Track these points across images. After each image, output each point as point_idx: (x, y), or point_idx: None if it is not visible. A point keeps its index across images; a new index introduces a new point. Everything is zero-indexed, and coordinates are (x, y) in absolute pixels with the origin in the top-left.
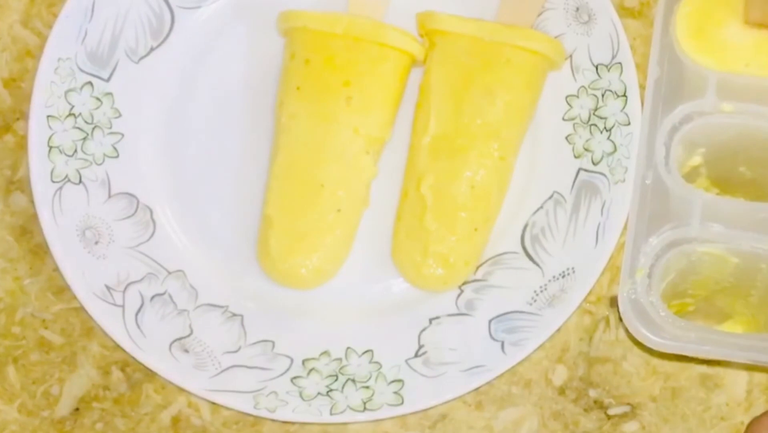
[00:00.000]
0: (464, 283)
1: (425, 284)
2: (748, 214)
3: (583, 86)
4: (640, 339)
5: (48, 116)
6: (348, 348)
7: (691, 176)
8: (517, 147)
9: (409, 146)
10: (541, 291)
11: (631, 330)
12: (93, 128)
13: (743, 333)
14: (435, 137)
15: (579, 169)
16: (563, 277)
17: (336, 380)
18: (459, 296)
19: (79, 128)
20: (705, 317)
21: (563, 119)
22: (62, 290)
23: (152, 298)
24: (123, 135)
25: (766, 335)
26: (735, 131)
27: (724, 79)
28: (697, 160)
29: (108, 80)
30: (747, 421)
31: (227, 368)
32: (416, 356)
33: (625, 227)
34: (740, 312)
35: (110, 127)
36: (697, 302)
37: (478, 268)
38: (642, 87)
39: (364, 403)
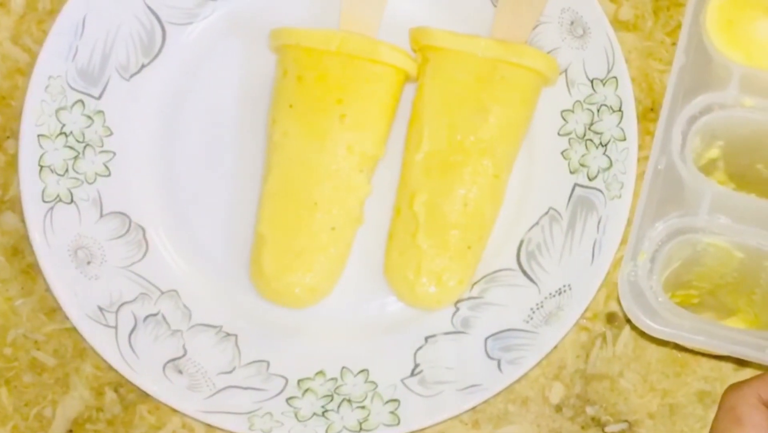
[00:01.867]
0: (460, 300)
1: (418, 302)
2: (758, 211)
3: (578, 101)
4: (635, 322)
5: (39, 135)
6: (343, 368)
7: (708, 169)
8: (511, 164)
9: (402, 163)
10: (538, 308)
11: (627, 312)
12: (84, 147)
13: (739, 328)
14: (428, 154)
15: (575, 185)
16: (559, 294)
17: (331, 400)
18: (455, 313)
19: (70, 147)
20: (709, 311)
21: (558, 134)
22: (54, 310)
23: (145, 318)
24: (115, 153)
25: (763, 333)
26: (755, 127)
27: (749, 74)
28: (715, 153)
29: (99, 98)
30: None
31: (222, 389)
32: (412, 375)
33: (621, 243)
34: (744, 310)
35: (102, 146)
36: (702, 295)
37: (473, 285)
38: (638, 101)
39: (360, 423)
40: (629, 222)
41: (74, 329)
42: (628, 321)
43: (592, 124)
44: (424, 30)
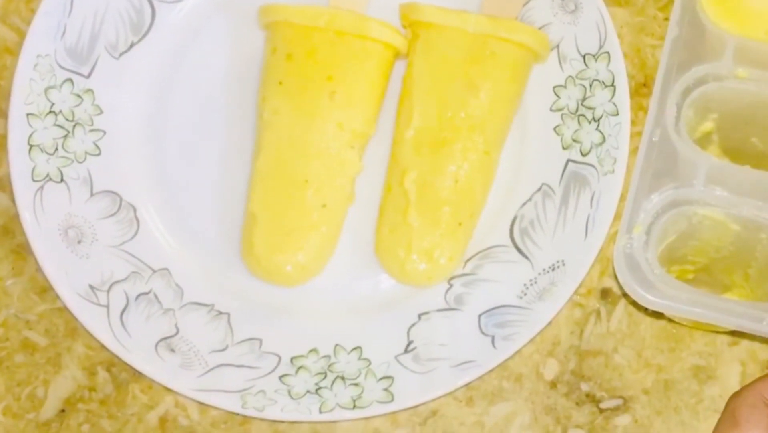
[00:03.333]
0: (453, 277)
1: (409, 279)
2: (754, 183)
3: (570, 76)
4: (631, 295)
5: (28, 114)
6: (336, 345)
7: (702, 142)
8: (502, 140)
9: (392, 140)
10: (531, 284)
11: (623, 285)
12: (74, 126)
13: (737, 300)
14: (418, 131)
15: (567, 161)
16: (553, 270)
17: (325, 377)
18: (448, 290)
19: (59, 126)
20: (704, 287)
21: (551, 110)
22: (45, 290)
23: (137, 297)
24: (105, 132)
25: (759, 304)
26: (749, 99)
27: (743, 44)
28: (709, 126)
29: (88, 77)
30: None
31: (214, 367)
32: (406, 352)
33: (614, 218)
34: (739, 285)
35: (91, 125)
36: (697, 271)
37: (466, 262)
38: (631, 77)
39: (354, 400)
40: (622, 197)
41: (66, 309)
42: (623, 297)
43: (584, 99)
44: (414, 6)
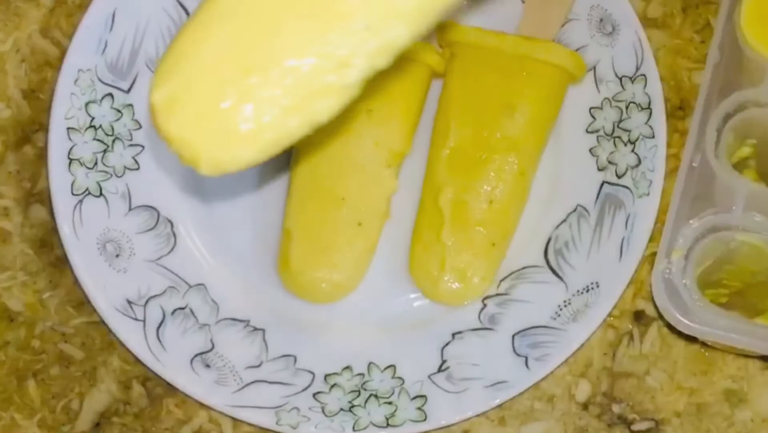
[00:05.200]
0: (487, 297)
1: (442, 298)
2: None
3: (606, 98)
4: (669, 320)
5: (68, 128)
6: (370, 363)
7: (739, 167)
8: (537, 161)
9: (427, 158)
10: (565, 306)
11: (661, 310)
12: (113, 140)
13: None
14: (454, 150)
15: (603, 182)
16: (587, 291)
17: (358, 395)
18: (482, 310)
19: (99, 140)
20: (737, 309)
21: (587, 131)
22: (82, 303)
23: (173, 312)
24: (143, 147)
25: None
26: None
27: None
28: (746, 151)
29: (128, 92)
30: None
31: (249, 384)
32: (439, 371)
33: (649, 240)
34: None
35: (131, 139)
36: (731, 294)
37: (500, 282)
38: (666, 99)
39: (387, 419)
40: (657, 220)
41: (102, 322)
42: (656, 319)
43: (620, 121)
44: (452, 26)
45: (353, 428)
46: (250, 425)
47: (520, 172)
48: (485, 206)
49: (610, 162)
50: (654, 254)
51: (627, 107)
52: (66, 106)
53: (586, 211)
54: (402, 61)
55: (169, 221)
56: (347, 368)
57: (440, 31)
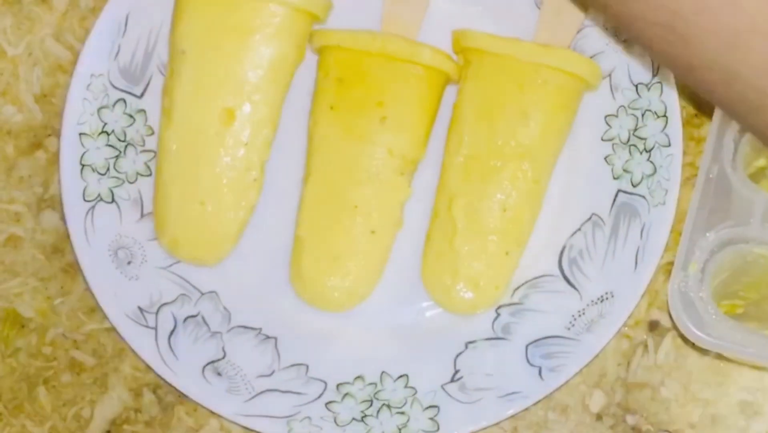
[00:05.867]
0: (500, 306)
1: (455, 307)
2: None
3: (622, 106)
4: (685, 333)
5: (80, 134)
6: (383, 373)
7: (755, 177)
8: (551, 169)
9: (441, 166)
10: (579, 315)
11: (677, 323)
12: (126, 146)
13: None
14: (467, 158)
15: (618, 191)
16: (602, 301)
17: (371, 405)
18: (495, 319)
19: (111, 146)
20: (752, 320)
21: (602, 139)
22: (94, 310)
23: (185, 320)
24: (156, 153)
25: None
26: None
27: None
28: (763, 162)
29: (141, 97)
30: None
31: (261, 392)
32: (452, 381)
33: (665, 250)
34: None
35: (143, 145)
36: (747, 306)
37: (514, 291)
38: (682, 107)
39: (399, 429)
40: (673, 229)
41: (113, 329)
42: (671, 329)
43: (636, 129)
44: (466, 32)
45: None
46: None
47: (534, 180)
48: (499, 214)
49: (625, 170)
50: (669, 263)
51: (643, 115)
52: (78, 112)
53: (601, 220)
54: (416, 68)
55: None
56: (359, 377)
57: (455, 38)
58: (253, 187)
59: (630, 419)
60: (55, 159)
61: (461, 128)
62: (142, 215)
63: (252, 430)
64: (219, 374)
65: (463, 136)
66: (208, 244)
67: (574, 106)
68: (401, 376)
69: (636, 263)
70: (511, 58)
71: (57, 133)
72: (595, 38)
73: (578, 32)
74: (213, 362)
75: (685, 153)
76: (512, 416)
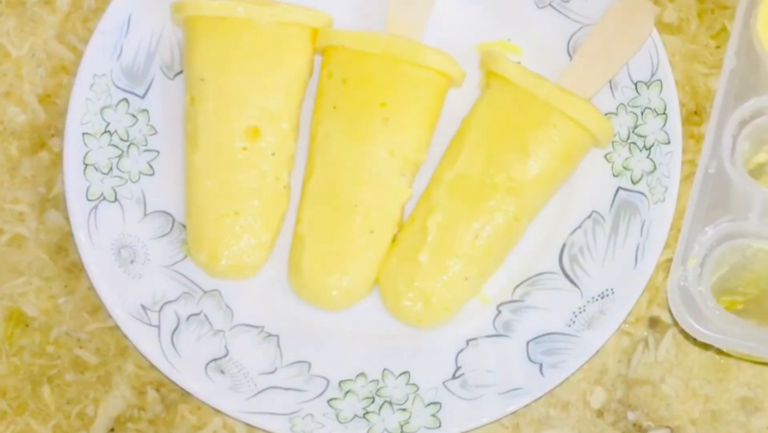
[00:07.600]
0: (502, 303)
1: (400, 314)
2: None
3: (622, 104)
4: (685, 328)
5: (83, 134)
6: (384, 370)
7: (755, 173)
8: (536, 212)
9: (431, 175)
10: (580, 312)
11: (676, 318)
12: (128, 145)
13: None
14: (458, 177)
15: (618, 188)
16: (602, 298)
17: (373, 402)
18: (496, 316)
19: (114, 145)
20: (752, 316)
21: None
22: (97, 308)
23: (188, 318)
24: (158, 152)
25: None
26: None
27: None
28: (763, 157)
29: (143, 97)
30: None
31: (263, 390)
32: (454, 378)
33: (664, 247)
34: None
35: (146, 145)
36: (747, 301)
37: (515, 288)
38: (682, 104)
39: (401, 426)
40: (673, 226)
41: (117, 328)
42: (671, 325)
43: (635, 127)
44: (496, 56)
45: None
46: (264, 431)
47: (515, 217)
48: (470, 240)
49: (625, 168)
50: (669, 260)
51: (642, 113)
52: (81, 112)
53: (602, 217)
54: (420, 70)
55: (184, 226)
56: (361, 374)
57: (483, 58)
58: (284, 195)
59: (631, 416)
60: (58, 159)
61: (462, 145)
62: (145, 214)
63: (255, 427)
64: (222, 371)
65: (461, 154)
66: (244, 254)
67: (576, 158)
68: (403, 373)
69: (636, 259)
70: (531, 94)
71: (60, 134)
72: None
73: (578, 30)
74: (216, 359)
75: (684, 150)
76: (513, 413)
